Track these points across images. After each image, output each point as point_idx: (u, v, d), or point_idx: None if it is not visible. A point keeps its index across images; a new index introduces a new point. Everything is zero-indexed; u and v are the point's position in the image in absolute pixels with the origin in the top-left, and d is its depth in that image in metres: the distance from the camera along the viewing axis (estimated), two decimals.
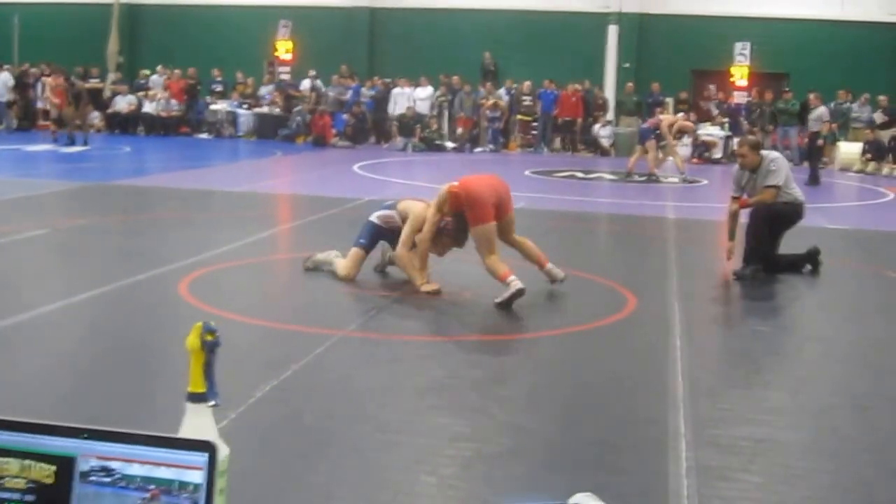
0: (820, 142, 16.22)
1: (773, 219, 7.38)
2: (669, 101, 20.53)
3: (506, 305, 5.92)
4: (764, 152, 7.68)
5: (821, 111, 16.66)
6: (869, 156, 17.66)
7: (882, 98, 18.97)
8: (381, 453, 3.55)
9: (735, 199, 7.60)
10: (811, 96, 17.43)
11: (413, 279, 6.28)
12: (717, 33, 20.07)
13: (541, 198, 11.91)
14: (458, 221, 6.26)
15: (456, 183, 6.36)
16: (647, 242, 9.33)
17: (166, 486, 1.19)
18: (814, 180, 14.76)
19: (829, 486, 3.47)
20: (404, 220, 6.50)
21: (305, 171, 15.80)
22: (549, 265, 6.54)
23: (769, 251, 7.43)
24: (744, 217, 7.57)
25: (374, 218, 6.68)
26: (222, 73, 21.58)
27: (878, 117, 17.97)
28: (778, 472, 3.53)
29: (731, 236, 7.52)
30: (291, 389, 4.26)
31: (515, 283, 5.94)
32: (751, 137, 8.33)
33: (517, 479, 3.38)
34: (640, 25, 21.38)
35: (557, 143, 20.41)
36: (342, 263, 6.56)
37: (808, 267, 7.62)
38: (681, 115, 17.02)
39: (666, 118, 15.72)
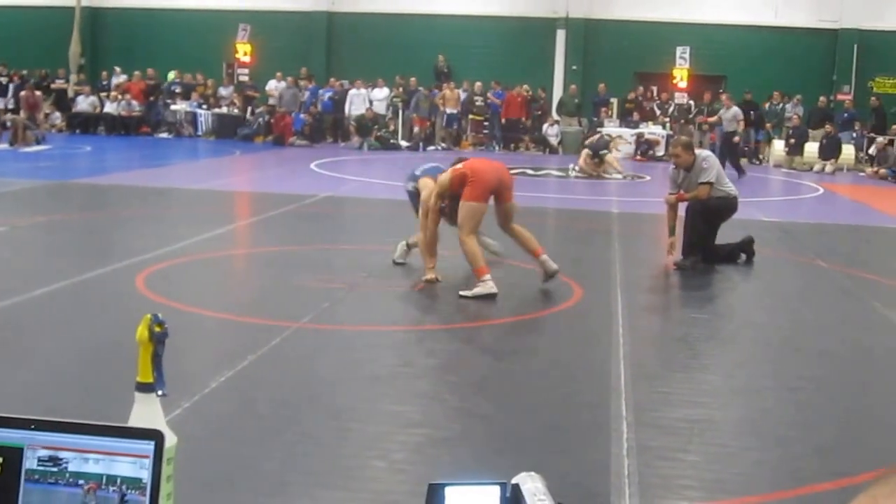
0: (736, 139, 16.86)
1: (709, 213, 7.66)
2: (614, 101, 20.98)
3: (469, 299, 6.05)
4: (697, 151, 7.97)
5: (734, 111, 17.17)
6: (793, 140, 18.30)
7: (822, 99, 19.60)
8: (333, 440, 3.64)
9: (672, 194, 7.86)
10: (723, 97, 18.07)
11: (426, 262, 6.52)
12: (659, 38, 20.54)
13: None
14: (454, 204, 6.45)
15: (460, 165, 6.50)
16: (593, 235, 9.54)
17: (110, 476, 1.17)
18: (740, 173, 15.35)
19: (761, 463, 3.65)
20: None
21: (264, 169, 15.83)
22: (544, 256, 6.54)
23: (707, 243, 7.70)
24: (682, 212, 7.82)
25: (410, 188, 7.12)
26: (181, 75, 21.55)
27: (829, 127, 18.37)
28: (713, 452, 3.71)
29: (672, 232, 7.76)
30: (247, 379, 4.34)
31: (490, 286, 6.08)
32: (683, 138, 8.63)
33: (465, 461, 3.49)
34: (587, 30, 21.78)
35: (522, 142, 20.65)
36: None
37: (743, 257, 7.91)
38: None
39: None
